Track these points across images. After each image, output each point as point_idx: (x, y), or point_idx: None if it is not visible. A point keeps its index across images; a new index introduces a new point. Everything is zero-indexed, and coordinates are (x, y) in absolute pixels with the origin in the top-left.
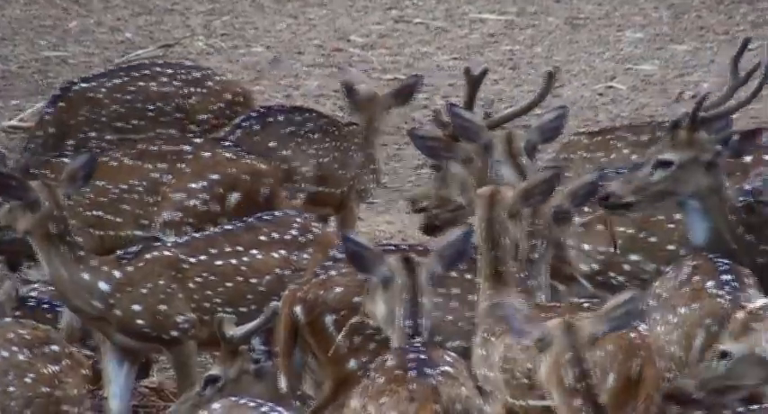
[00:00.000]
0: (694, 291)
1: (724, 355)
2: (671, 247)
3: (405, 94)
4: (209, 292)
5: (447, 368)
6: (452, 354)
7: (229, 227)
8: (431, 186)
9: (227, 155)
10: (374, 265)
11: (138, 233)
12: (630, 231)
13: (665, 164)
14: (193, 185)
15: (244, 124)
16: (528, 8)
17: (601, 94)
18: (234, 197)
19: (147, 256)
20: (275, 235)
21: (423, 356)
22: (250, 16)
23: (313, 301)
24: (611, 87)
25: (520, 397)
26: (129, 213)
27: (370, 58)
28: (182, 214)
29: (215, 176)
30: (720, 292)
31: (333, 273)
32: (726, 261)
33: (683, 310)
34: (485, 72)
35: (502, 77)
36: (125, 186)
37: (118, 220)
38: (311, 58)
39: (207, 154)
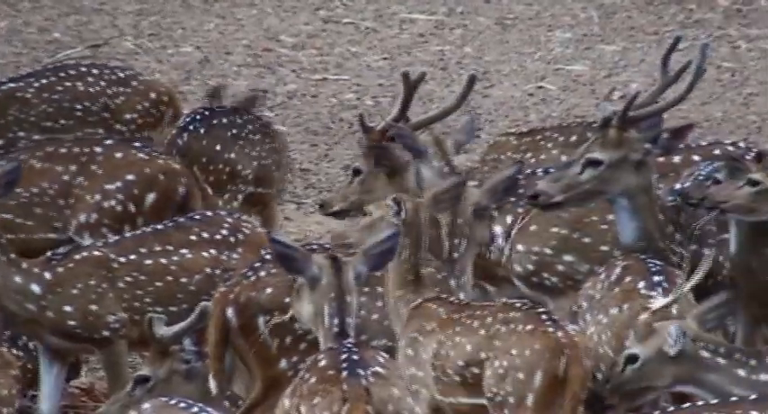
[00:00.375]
0: (625, 291)
1: (632, 358)
2: (604, 248)
3: (245, 107)
4: (139, 292)
5: (379, 369)
6: (384, 354)
7: (159, 226)
8: (346, 190)
9: (141, 155)
10: (302, 265)
11: (52, 236)
12: (564, 232)
13: (594, 163)
14: (109, 187)
15: (190, 128)
16: (457, 8)
17: (531, 95)
18: (150, 197)
19: (77, 256)
20: (205, 234)
21: (355, 357)
22: (178, 16)
23: (245, 302)
24: (541, 88)
25: (450, 394)
26: (41, 217)
27: (299, 58)
28: (98, 216)
29: (131, 177)
30: (652, 293)
31: (262, 273)
32: (657, 262)
33: (614, 311)
34: (422, 77)
35: (432, 78)
36: (36, 190)
37: (29, 223)
38: (240, 58)
39: (119, 154)
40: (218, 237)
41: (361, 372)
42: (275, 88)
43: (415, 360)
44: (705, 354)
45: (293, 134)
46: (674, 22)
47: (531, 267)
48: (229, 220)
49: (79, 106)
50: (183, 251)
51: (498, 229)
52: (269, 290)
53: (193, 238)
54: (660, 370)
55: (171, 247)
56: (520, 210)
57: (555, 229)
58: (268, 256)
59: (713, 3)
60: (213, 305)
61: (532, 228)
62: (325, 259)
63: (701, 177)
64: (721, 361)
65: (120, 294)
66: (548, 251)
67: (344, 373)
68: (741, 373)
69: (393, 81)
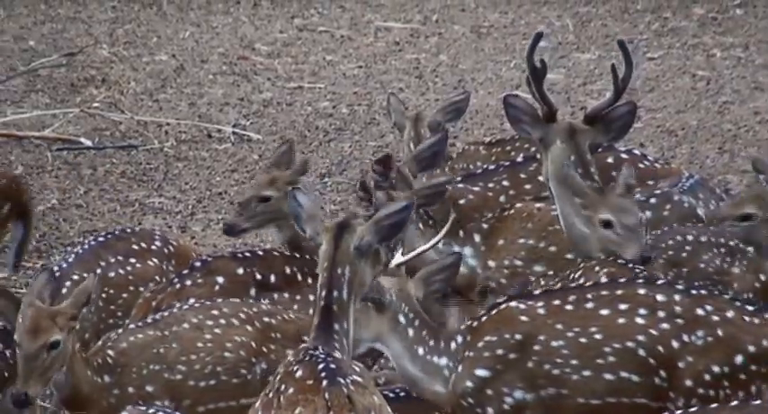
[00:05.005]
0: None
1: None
2: (569, 256)
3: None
4: (112, 307)
5: (357, 377)
6: (358, 364)
7: (101, 238)
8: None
9: None
10: (304, 225)
11: None
12: (531, 242)
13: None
14: None
15: None
16: (433, 17)
17: None
18: (7, 207)
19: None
20: (144, 245)
21: (332, 365)
22: (153, 24)
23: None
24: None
25: None
26: None
27: (274, 66)
28: None
29: None
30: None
31: (188, 282)
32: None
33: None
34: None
35: (407, 86)
36: None
37: None
38: (216, 66)
39: None
40: (154, 247)
41: (342, 380)
42: (250, 96)
43: None
44: (401, 319)
45: (268, 142)
46: (650, 31)
47: (504, 281)
48: (158, 234)
49: None
50: (132, 261)
51: (468, 249)
52: (192, 300)
53: (135, 247)
54: (366, 322)
55: (121, 258)
56: (485, 226)
57: (522, 241)
58: (197, 264)
59: (688, 11)
60: (136, 311)
61: (500, 242)
62: (329, 224)
63: (684, 189)
64: (410, 332)
65: (98, 314)
66: (518, 263)
67: (325, 382)
68: (420, 350)
69: (368, 89)
